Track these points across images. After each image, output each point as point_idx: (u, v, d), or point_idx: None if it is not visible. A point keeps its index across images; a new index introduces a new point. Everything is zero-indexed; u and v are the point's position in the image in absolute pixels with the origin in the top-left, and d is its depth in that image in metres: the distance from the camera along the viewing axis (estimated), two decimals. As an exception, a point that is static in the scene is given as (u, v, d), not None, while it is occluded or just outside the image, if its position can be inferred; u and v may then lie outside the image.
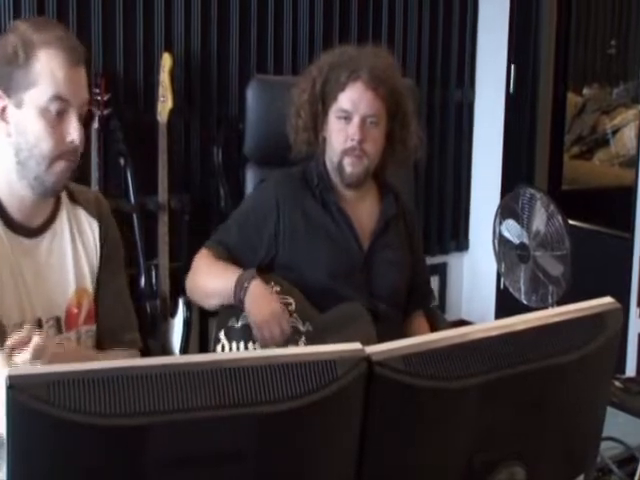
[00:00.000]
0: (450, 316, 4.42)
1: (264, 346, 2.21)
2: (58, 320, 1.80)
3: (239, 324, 2.25)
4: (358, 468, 1.00)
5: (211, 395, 0.90)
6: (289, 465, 0.97)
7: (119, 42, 3.45)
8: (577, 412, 1.18)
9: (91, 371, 0.88)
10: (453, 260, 4.61)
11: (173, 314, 3.35)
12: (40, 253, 1.79)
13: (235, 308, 2.25)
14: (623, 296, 3.54)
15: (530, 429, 1.13)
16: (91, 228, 1.89)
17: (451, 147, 4.46)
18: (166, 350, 3.29)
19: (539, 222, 2.80)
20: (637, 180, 3.73)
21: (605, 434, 1.32)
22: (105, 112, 3.27)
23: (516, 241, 2.88)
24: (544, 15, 4.34)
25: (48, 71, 1.67)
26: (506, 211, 2.91)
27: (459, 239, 4.58)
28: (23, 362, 1.42)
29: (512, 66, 4.34)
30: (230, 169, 3.52)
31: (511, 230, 2.89)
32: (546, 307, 2.76)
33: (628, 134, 5.38)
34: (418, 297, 2.49)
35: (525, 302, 2.89)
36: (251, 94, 2.83)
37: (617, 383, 2.03)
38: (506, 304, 3.90)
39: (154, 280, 3.37)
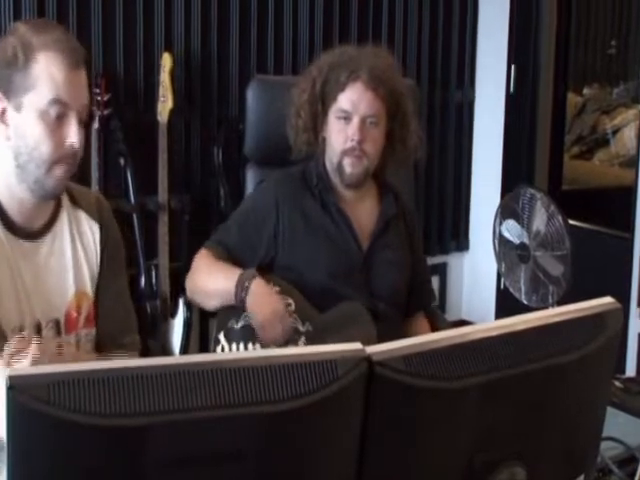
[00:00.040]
0: (450, 316, 4.42)
1: (266, 345, 2.21)
2: (57, 323, 1.79)
3: (238, 325, 2.25)
4: (359, 468, 1.00)
5: (211, 395, 0.90)
6: (289, 465, 0.97)
7: (119, 42, 3.45)
8: (577, 412, 1.18)
9: (91, 371, 0.88)
10: (453, 260, 4.61)
11: (173, 314, 3.35)
12: (40, 256, 1.79)
13: (234, 309, 2.25)
14: (623, 296, 3.54)
15: (530, 429, 1.13)
16: (91, 231, 1.88)
17: (451, 147, 4.46)
18: (166, 350, 3.29)
19: (539, 222, 2.80)
20: (637, 180, 3.73)
21: (605, 434, 1.32)
22: (105, 112, 3.28)
23: (516, 241, 2.88)
24: (544, 15, 4.34)
25: (47, 74, 1.66)
26: (506, 211, 2.91)
27: (459, 239, 4.58)
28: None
29: (512, 66, 4.34)
30: (230, 169, 3.52)
31: (511, 230, 2.89)
32: (546, 307, 2.76)
33: (628, 134, 5.38)
34: (419, 297, 2.49)
35: (525, 302, 2.89)
36: (251, 94, 2.83)
37: (617, 383, 2.03)
38: (506, 304, 3.90)
39: (154, 280, 3.36)
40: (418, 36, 4.24)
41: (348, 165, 2.32)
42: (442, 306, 4.47)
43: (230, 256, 2.35)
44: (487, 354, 1.05)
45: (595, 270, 3.64)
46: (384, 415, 1.00)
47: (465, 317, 4.60)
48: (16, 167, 1.71)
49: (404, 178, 2.76)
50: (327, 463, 0.99)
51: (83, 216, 1.88)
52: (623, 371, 3.54)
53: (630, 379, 2.19)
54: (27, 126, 1.68)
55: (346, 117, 2.30)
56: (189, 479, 0.93)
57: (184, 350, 3.30)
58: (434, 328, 2.46)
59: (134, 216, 3.32)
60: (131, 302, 2.00)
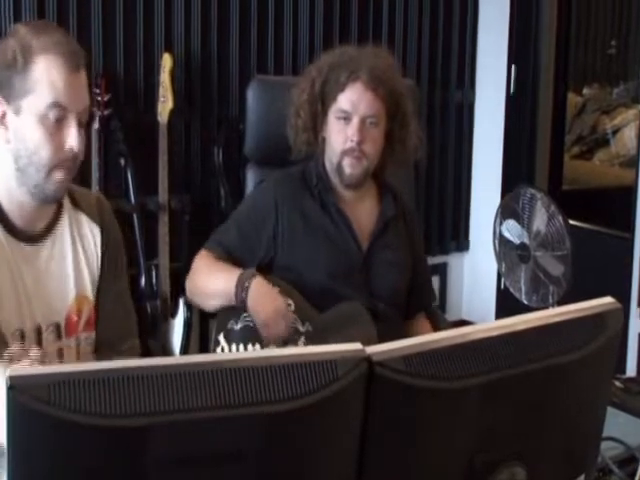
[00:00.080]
0: (451, 316, 4.42)
1: (267, 345, 2.21)
2: (58, 326, 1.79)
3: (238, 326, 2.25)
4: (359, 468, 1.00)
5: (212, 395, 0.90)
6: (290, 465, 0.97)
7: (119, 42, 3.45)
8: (578, 412, 1.18)
9: (91, 372, 0.88)
10: (454, 260, 4.61)
11: (173, 314, 3.35)
12: (41, 259, 1.78)
13: (234, 310, 2.25)
14: (623, 296, 3.54)
15: (531, 429, 1.13)
16: (92, 234, 1.87)
17: (451, 147, 4.46)
18: (166, 350, 3.29)
19: (539, 222, 2.80)
20: (637, 180, 3.73)
21: (605, 434, 1.32)
22: (105, 112, 3.28)
23: (516, 241, 2.88)
24: (544, 15, 4.34)
25: (46, 78, 1.65)
26: (506, 211, 2.91)
27: (459, 239, 4.59)
28: None
29: (512, 67, 4.34)
30: (230, 169, 3.52)
31: (511, 230, 2.89)
32: (547, 307, 2.76)
33: (628, 134, 5.39)
34: (419, 298, 2.49)
35: (526, 302, 2.89)
36: (251, 94, 2.83)
37: (617, 383, 2.03)
38: (506, 304, 3.90)
39: (154, 280, 3.36)
40: (418, 36, 4.24)
41: (348, 165, 2.31)
42: (442, 306, 4.47)
43: (230, 257, 2.35)
44: (487, 354, 1.05)
45: (595, 270, 3.64)
46: (384, 415, 1.00)
47: (465, 317, 4.60)
48: (16, 170, 1.71)
49: (404, 178, 2.76)
50: (327, 463, 0.99)
51: (84, 218, 1.87)
52: (623, 371, 3.54)
53: (630, 379, 2.19)
54: (26, 130, 1.67)
55: (346, 117, 2.30)
56: (189, 479, 0.93)
57: (184, 350, 3.30)
58: (434, 328, 2.46)
59: (134, 216, 3.32)
60: (132, 304, 2.00)
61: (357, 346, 0.98)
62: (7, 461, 0.88)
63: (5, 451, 0.88)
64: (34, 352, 1.50)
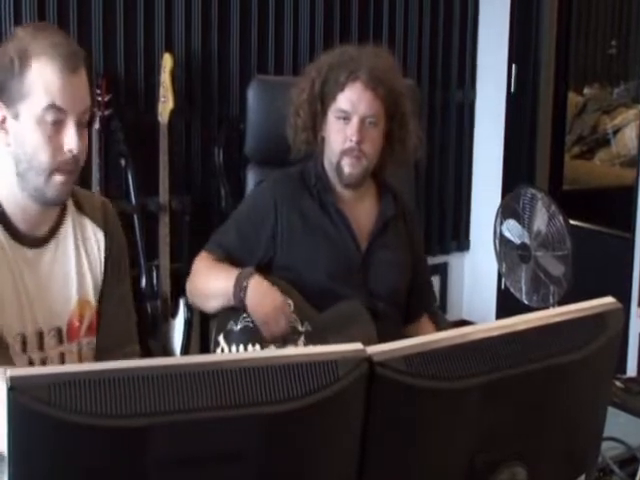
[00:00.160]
0: (451, 316, 4.41)
1: (270, 341, 2.21)
2: (59, 331, 1.78)
3: (238, 327, 2.25)
4: (359, 469, 1.00)
5: (212, 396, 0.90)
6: (290, 465, 0.97)
7: (120, 43, 3.45)
8: (578, 412, 1.18)
9: (92, 372, 0.88)
10: (454, 260, 4.61)
11: (174, 315, 3.35)
12: (43, 264, 1.78)
13: (234, 310, 2.25)
14: (624, 296, 3.54)
15: (531, 429, 1.13)
16: (96, 238, 1.86)
17: (452, 147, 4.46)
18: (167, 351, 3.29)
19: (540, 222, 2.80)
20: (638, 180, 3.72)
21: (606, 434, 1.31)
22: (106, 113, 3.28)
23: (517, 241, 2.88)
24: (545, 15, 4.34)
25: (42, 81, 1.64)
26: (507, 211, 2.91)
27: (460, 239, 4.58)
28: None
29: (513, 66, 4.33)
30: (231, 169, 3.52)
31: (512, 230, 2.89)
32: (547, 307, 2.76)
33: (629, 134, 5.39)
34: (421, 299, 2.49)
35: (526, 302, 2.89)
36: (252, 94, 2.83)
37: (618, 383, 2.03)
38: (507, 304, 3.90)
39: (155, 281, 3.37)
40: (419, 36, 4.24)
41: (347, 165, 2.31)
42: (443, 306, 4.47)
43: (229, 258, 2.35)
44: (488, 354, 1.05)
45: (596, 270, 3.64)
46: (385, 415, 1.00)
47: (466, 317, 4.60)
48: (17, 175, 1.70)
49: (404, 178, 2.76)
50: (328, 463, 0.99)
51: (88, 223, 1.86)
52: (624, 371, 3.54)
53: (631, 379, 2.19)
54: (25, 134, 1.67)
55: (345, 117, 2.30)
56: (190, 479, 0.93)
57: (185, 350, 3.30)
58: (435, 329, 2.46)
59: (135, 217, 3.32)
60: (133, 310, 1.98)
61: (358, 346, 0.98)
62: (7, 462, 0.88)
63: (5, 456, 0.88)
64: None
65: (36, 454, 0.88)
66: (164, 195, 3.35)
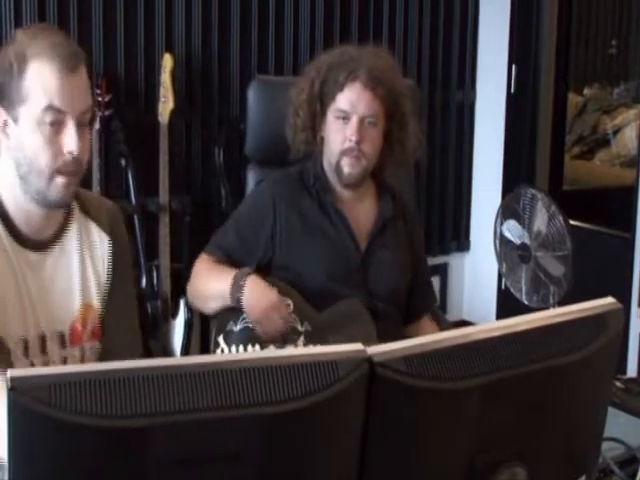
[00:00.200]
0: (451, 316, 4.41)
1: (267, 340, 2.21)
2: (62, 336, 1.77)
3: (237, 327, 2.25)
4: (360, 469, 1.00)
5: (213, 396, 0.90)
6: (291, 466, 0.97)
7: (120, 43, 3.45)
8: (578, 412, 1.18)
9: (92, 372, 0.88)
10: (454, 260, 4.61)
11: (174, 315, 3.35)
12: (46, 268, 1.77)
13: (233, 311, 2.25)
14: (624, 296, 3.54)
15: (532, 430, 1.13)
16: (101, 243, 1.85)
17: (452, 147, 4.46)
18: (167, 351, 3.29)
19: (540, 222, 2.80)
20: (638, 180, 3.72)
21: (606, 435, 1.32)
22: (106, 113, 3.28)
23: (517, 241, 2.88)
24: (545, 15, 4.34)
25: (39, 83, 1.63)
26: (507, 211, 2.91)
27: (460, 239, 4.58)
28: None
29: (513, 66, 4.33)
30: (231, 170, 3.52)
31: (512, 230, 2.89)
32: (547, 308, 2.76)
33: (629, 134, 5.39)
34: (421, 299, 2.48)
35: (526, 302, 2.88)
36: (252, 94, 2.83)
37: (618, 383, 2.03)
38: (507, 304, 3.90)
39: (155, 281, 3.36)
40: (419, 36, 4.24)
41: (346, 165, 2.31)
42: (443, 306, 4.47)
43: (229, 259, 2.34)
44: (488, 355, 1.05)
45: (596, 270, 3.64)
46: (385, 416, 1.00)
47: (466, 317, 4.60)
48: (19, 178, 1.69)
49: (404, 178, 2.76)
50: (328, 464, 0.99)
51: (94, 227, 1.85)
52: (624, 371, 3.54)
53: (631, 379, 2.19)
54: (25, 137, 1.66)
55: (345, 117, 2.30)
56: (190, 480, 0.93)
57: (185, 350, 3.30)
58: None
59: (135, 217, 3.32)
60: (137, 317, 1.97)
61: (358, 347, 0.98)
62: (8, 462, 0.88)
63: (6, 465, 0.88)
64: None
65: (36, 455, 0.88)
66: (164, 195, 3.35)
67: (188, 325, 3.30)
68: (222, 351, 2.24)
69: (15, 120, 1.66)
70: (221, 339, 2.26)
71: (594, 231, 4.11)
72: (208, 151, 3.63)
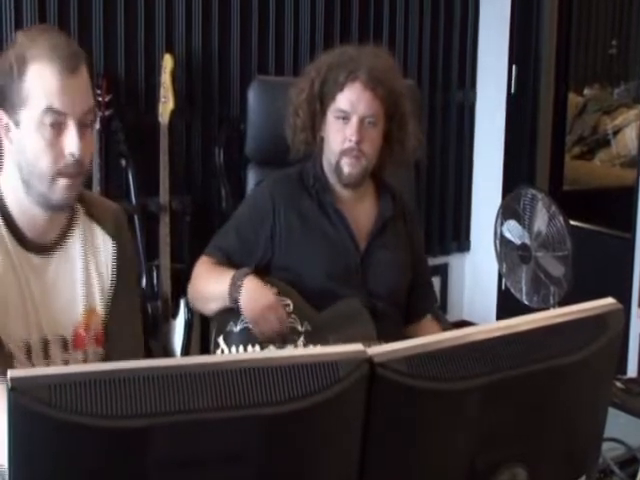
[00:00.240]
0: (451, 317, 4.41)
1: (264, 340, 2.20)
2: (65, 340, 1.76)
3: (237, 328, 2.25)
4: (360, 469, 1.00)
5: (213, 397, 0.90)
6: (291, 466, 0.97)
7: (120, 43, 3.45)
8: (579, 413, 1.18)
9: (93, 373, 0.88)
10: (454, 261, 4.61)
11: (174, 315, 3.35)
12: (49, 272, 1.76)
13: (233, 312, 2.25)
14: (624, 296, 3.54)
15: (532, 430, 1.13)
16: (106, 246, 1.84)
17: (452, 148, 4.46)
18: (167, 351, 3.29)
19: (540, 223, 2.80)
20: (638, 180, 3.72)
21: (607, 435, 1.32)
22: (106, 113, 3.28)
23: (517, 242, 2.88)
24: (545, 16, 4.34)
25: (39, 85, 1.62)
26: (507, 212, 2.91)
27: (460, 240, 4.58)
28: None
29: (513, 67, 4.33)
30: (231, 170, 3.52)
31: (512, 231, 2.89)
32: (547, 308, 2.76)
33: (629, 134, 5.39)
34: (422, 299, 2.48)
35: (526, 303, 2.88)
36: (252, 95, 2.83)
37: (618, 384, 2.03)
38: (507, 305, 3.90)
39: (155, 281, 3.36)
40: (419, 37, 4.24)
41: (346, 165, 2.31)
42: (443, 307, 4.46)
43: (229, 261, 2.34)
44: (489, 355, 1.05)
45: (596, 271, 3.64)
46: (385, 416, 1.00)
47: (466, 318, 4.60)
48: (22, 181, 1.69)
49: (404, 178, 2.76)
50: (328, 464, 0.99)
51: (98, 230, 1.84)
52: (624, 372, 3.54)
53: (631, 380, 2.19)
54: (26, 141, 1.65)
55: (344, 117, 2.29)
56: (190, 480, 0.93)
57: (185, 351, 3.30)
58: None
59: (135, 217, 3.32)
60: (140, 322, 1.95)
61: (359, 347, 0.98)
62: (8, 463, 0.88)
63: (6, 471, 0.88)
64: None
65: (37, 455, 0.88)
66: (164, 195, 3.35)
67: (188, 325, 3.30)
68: (222, 352, 2.24)
69: (17, 123, 1.66)
70: (221, 340, 2.26)
71: (594, 231, 4.11)
72: (208, 151, 3.63)
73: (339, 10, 3.96)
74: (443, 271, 4.55)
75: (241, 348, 2.21)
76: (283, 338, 2.23)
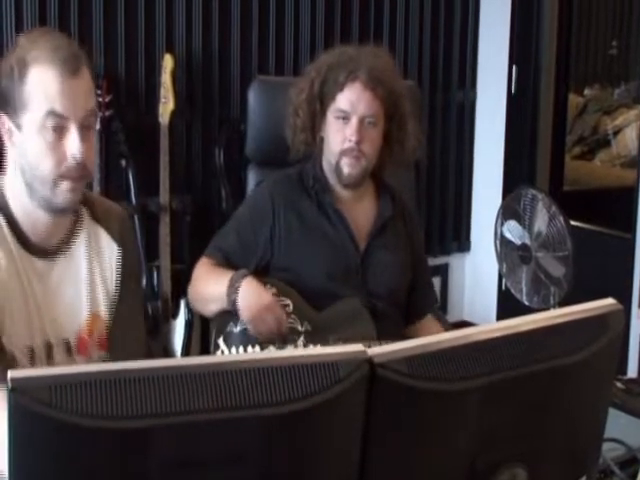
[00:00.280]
0: (452, 317, 4.41)
1: (263, 341, 2.20)
2: (68, 344, 1.76)
3: (237, 329, 2.24)
4: (360, 470, 1.00)
5: (213, 397, 0.90)
6: (291, 467, 0.97)
7: (120, 43, 3.45)
8: (579, 413, 1.18)
9: (93, 373, 0.88)
10: (455, 261, 4.61)
11: (175, 315, 3.35)
12: (53, 275, 1.75)
13: (232, 313, 2.25)
14: (624, 297, 3.54)
15: (532, 430, 1.13)
16: (110, 250, 1.83)
17: (453, 148, 4.46)
18: (168, 351, 3.29)
19: (541, 223, 2.80)
20: (638, 181, 3.72)
21: (607, 435, 1.32)
22: (107, 114, 3.28)
23: (518, 242, 2.88)
24: (545, 16, 4.34)
25: (40, 88, 1.62)
26: (508, 212, 2.91)
27: (461, 240, 4.58)
28: None
29: (513, 67, 4.33)
30: (232, 170, 3.52)
31: (513, 231, 2.89)
32: (548, 308, 2.76)
33: (629, 135, 5.39)
34: (422, 299, 2.48)
35: (527, 303, 2.89)
36: (253, 95, 2.83)
37: (619, 384, 2.03)
38: (508, 305, 3.90)
39: (156, 281, 3.36)
40: (419, 37, 4.24)
41: (346, 165, 2.31)
42: (443, 307, 4.46)
43: (229, 262, 2.34)
44: (489, 356, 1.05)
45: (596, 271, 3.64)
46: (386, 417, 1.00)
47: (466, 318, 4.60)
48: (25, 185, 1.69)
49: (405, 179, 2.76)
50: (329, 465, 0.99)
51: (103, 234, 1.83)
52: (625, 372, 3.54)
53: (632, 380, 2.19)
54: (28, 144, 1.65)
55: (344, 117, 2.29)
56: (191, 481, 0.93)
57: (185, 351, 3.30)
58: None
59: (135, 217, 3.32)
60: (143, 327, 1.95)
61: (359, 348, 0.98)
62: (8, 463, 0.88)
63: (6, 478, 0.88)
64: None
65: (37, 456, 0.88)
66: (165, 195, 3.35)
67: (189, 325, 3.30)
68: (222, 353, 2.23)
69: (19, 127, 1.65)
70: (221, 341, 2.26)
71: (594, 232, 4.11)
72: (208, 151, 3.64)
73: (339, 10, 3.96)
74: (443, 271, 4.55)
75: (241, 349, 2.21)
76: (283, 339, 2.22)
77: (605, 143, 5.58)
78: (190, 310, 3.28)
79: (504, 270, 2.97)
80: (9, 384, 0.85)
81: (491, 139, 4.45)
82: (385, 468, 1.02)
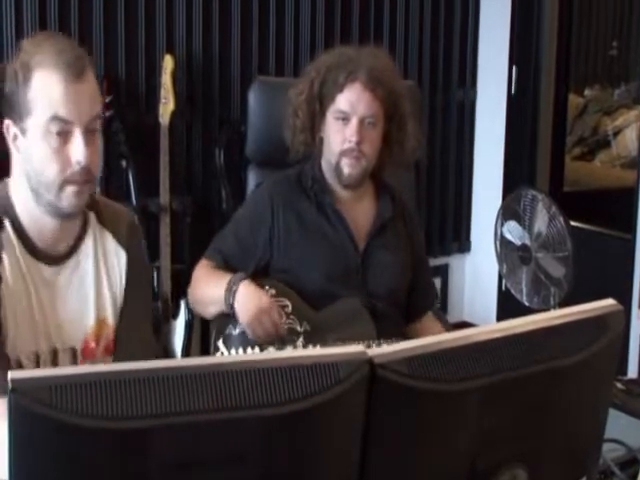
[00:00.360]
0: (452, 318, 4.41)
1: (262, 344, 2.20)
2: (74, 351, 1.75)
3: (237, 331, 2.24)
4: (360, 470, 1.00)
5: (213, 398, 0.90)
6: (291, 467, 0.97)
7: (121, 44, 3.45)
8: (579, 414, 1.18)
9: (93, 374, 0.88)
10: (455, 261, 4.61)
11: (175, 316, 3.35)
12: (60, 283, 1.74)
13: (231, 315, 2.25)
14: (624, 297, 3.54)
15: (532, 431, 1.13)
16: (118, 256, 1.82)
17: (453, 148, 4.46)
18: (168, 352, 3.29)
19: (541, 223, 2.81)
20: (638, 181, 3.72)
21: (607, 436, 1.31)
22: (107, 114, 3.27)
23: (518, 242, 2.88)
24: (546, 16, 4.34)
25: (43, 94, 1.61)
26: (508, 212, 2.91)
27: (461, 240, 4.58)
28: None
29: (514, 67, 4.33)
30: (232, 171, 3.52)
31: (513, 232, 2.89)
32: (548, 309, 2.76)
33: (629, 135, 5.39)
34: (422, 299, 2.48)
35: (527, 304, 2.89)
36: (253, 95, 2.83)
37: (619, 385, 2.03)
38: (508, 306, 3.90)
39: (156, 282, 3.36)
40: (419, 37, 4.24)
41: (346, 166, 2.31)
42: (444, 307, 4.47)
43: (229, 264, 2.34)
44: (489, 356, 1.05)
45: (596, 271, 3.64)
46: (386, 417, 1.00)
47: (467, 319, 4.60)
48: (31, 191, 1.68)
49: (404, 179, 2.76)
50: (329, 465, 0.99)
51: (110, 240, 1.82)
52: (625, 373, 3.54)
53: (632, 381, 2.19)
54: (32, 149, 1.64)
55: (344, 118, 2.29)
56: (191, 482, 0.93)
57: (186, 351, 3.30)
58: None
59: (135, 218, 3.32)
60: (150, 330, 1.94)
61: (359, 348, 0.98)
62: (8, 464, 0.88)
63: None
64: None
65: (37, 456, 0.88)
66: (165, 196, 3.35)
67: (189, 326, 3.30)
68: (222, 355, 2.24)
69: (23, 132, 1.64)
70: (220, 343, 2.26)
71: (595, 232, 4.11)
72: (209, 152, 3.64)
73: (339, 10, 3.96)
74: (443, 272, 4.55)
75: (240, 350, 2.21)
76: (281, 340, 2.22)
77: (605, 144, 5.58)
78: (190, 311, 3.28)
79: (504, 271, 2.97)
80: (9, 385, 0.85)
81: (491, 139, 4.45)
82: (385, 468, 1.02)
